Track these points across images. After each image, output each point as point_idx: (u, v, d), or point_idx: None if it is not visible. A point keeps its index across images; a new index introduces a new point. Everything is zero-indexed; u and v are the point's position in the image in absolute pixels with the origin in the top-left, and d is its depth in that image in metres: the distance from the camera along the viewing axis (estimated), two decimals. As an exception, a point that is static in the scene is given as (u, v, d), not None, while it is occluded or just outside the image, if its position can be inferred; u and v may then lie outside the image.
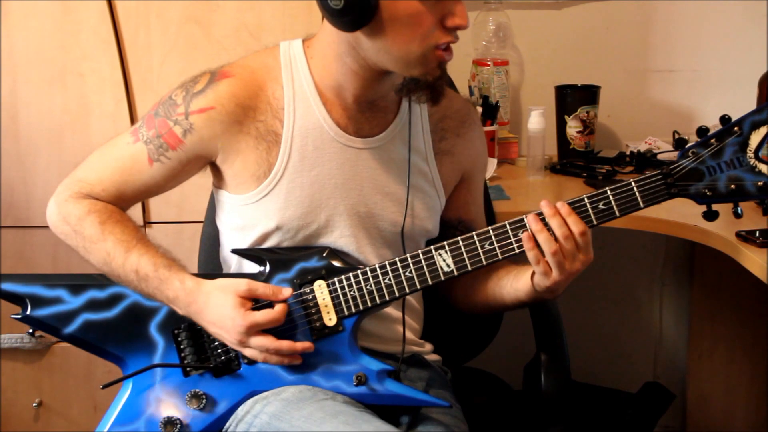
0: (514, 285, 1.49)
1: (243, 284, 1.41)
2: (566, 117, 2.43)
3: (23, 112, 2.11)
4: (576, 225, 1.36)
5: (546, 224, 1.37)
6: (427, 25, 1.35)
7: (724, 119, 1.33)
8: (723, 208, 1.37)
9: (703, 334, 2.54)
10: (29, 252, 2.16)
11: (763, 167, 1.32)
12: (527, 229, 1.38)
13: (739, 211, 1.36)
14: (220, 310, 1.39)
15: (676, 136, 2.40)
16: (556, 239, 1.36)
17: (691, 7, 2.54)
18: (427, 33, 1.35)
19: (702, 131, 1.33)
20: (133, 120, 2.11)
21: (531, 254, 1.37)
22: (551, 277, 1.37)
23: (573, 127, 2.43)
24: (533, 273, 1.41)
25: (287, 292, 1.42)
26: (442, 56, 1.38)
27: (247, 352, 1.41)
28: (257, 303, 1.42)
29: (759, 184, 1.33)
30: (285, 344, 1.39)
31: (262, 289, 1.41)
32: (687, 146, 1.35)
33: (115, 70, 2.09)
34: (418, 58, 1.37)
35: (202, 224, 1.79)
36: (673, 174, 1.36)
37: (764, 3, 2.51)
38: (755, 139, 1.31)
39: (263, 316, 1.39)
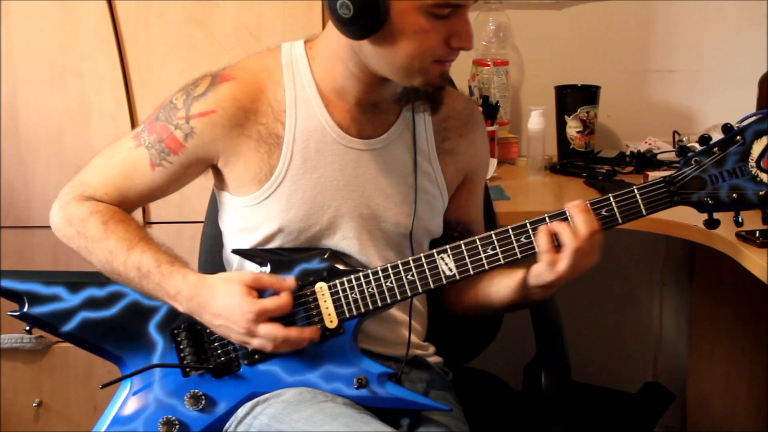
0: (505, 283, 1.49)
1: (248, 274, 1.41)
2: (566, 117, 2.43)
3: (23, 112, 2.11)
4: (595, 224, 1.35)
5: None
6: (432, 41, 1.35)
7: (727, 128, 1.32)
8: (724, 214, 1.37)
9: (703, 334, 2.55)
10: (29, 252, 2.16)
11: (764, 176, 1.32)
12: (530, 234, 1.38)
13: (740, 220, 1.36)
14: (227, 299, 1.39)
15: (676, 137, 2.42)
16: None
17: (691, 7, 2.54)
18: (430, 49, 1.36)
19: (704, 139, 1.33)
20: (133, 120, 2.11)
21: (542, 240, 1.35)
22: (556, 270, 1.35)
23: (573, 127, 2.43)
24: (528, 269, 1.40)
25: (291, 280, 1.42)
26: (442, 66, 1.39)
27: (255, 342, 1.39)
28: (261, 296, 1.41)
29: (760, 193, 1.33)
30: (294, 331, 1.39)
31: (267, 279, 1.41)
32: (690, 154, 1.35)
33: (115, 70, 2.09)
34: (418, 70, 1.37)
35: (202, 224, 1.79)
36: (676, 182, 1.36)
37: (764, 3, 2.51)
38: (757, 148, 1.31)
39: (271, 302, 1.39)
